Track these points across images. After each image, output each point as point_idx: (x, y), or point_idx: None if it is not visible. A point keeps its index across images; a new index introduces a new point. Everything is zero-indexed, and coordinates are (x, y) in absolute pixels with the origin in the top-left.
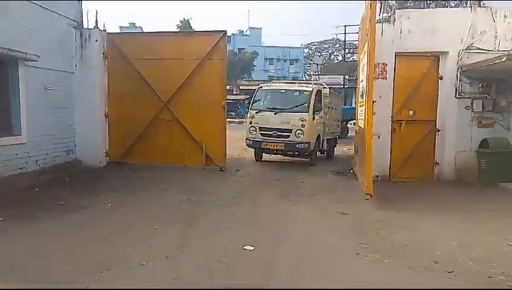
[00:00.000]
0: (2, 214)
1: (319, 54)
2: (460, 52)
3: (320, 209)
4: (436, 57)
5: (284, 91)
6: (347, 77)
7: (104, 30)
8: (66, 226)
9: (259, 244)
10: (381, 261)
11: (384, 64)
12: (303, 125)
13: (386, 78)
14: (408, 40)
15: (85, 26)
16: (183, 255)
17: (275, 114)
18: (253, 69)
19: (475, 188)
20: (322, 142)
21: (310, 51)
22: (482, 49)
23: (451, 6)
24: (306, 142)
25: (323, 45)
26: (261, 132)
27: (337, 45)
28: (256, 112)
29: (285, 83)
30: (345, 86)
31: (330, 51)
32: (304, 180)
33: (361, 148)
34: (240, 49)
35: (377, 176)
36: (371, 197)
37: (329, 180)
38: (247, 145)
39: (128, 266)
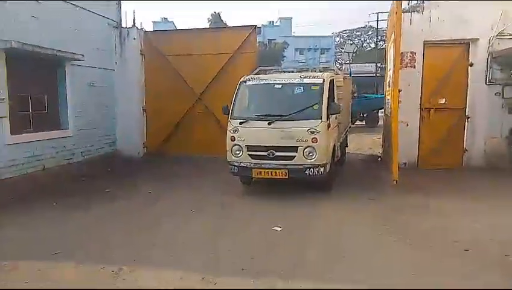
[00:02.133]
0: (56, 201)
1: (351, 42)
2: (491, 38)
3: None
4: (466, 45)
5: (280, 86)
6: (379, 64)
7: (141, 29)
8: (115, 211)
9: (289, 225)
10: (403, 241)
11: (413, 53)
12: (315, 140)
13: (414, 66)
14: (437, 29)
15: (123, 25)
16: (221, 235)
17: (269, 124)
18: (283, 60)
19: (505, 174)
20: (337, 150)
21: (341, 39)
22: None
23: None
24: (321, 165)
25: (355, 33)
26: (250, 153)
27: (370, 32)
28: (241, 122)
29: (281, 72)
30: (377, 74)
31: (363, 39)
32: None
33: (389, 136)
34: (270, 40)
35: (405, 163)
36: (396, 183)
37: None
38: (230, 172)
39: (174, 244)
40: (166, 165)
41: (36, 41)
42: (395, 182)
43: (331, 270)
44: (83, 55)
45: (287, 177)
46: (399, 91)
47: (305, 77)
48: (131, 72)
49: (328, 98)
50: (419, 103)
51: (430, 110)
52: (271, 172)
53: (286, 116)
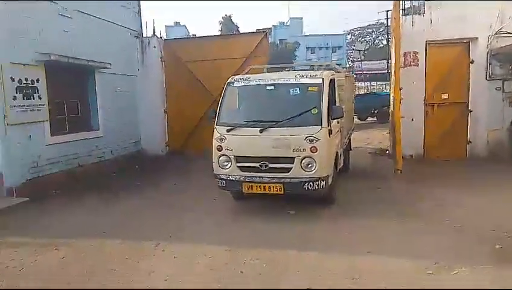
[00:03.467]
0: (93, 192)
1: (363, 39)
2: (490, 37)
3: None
4: (466, 43)
5: (273, 87)
6: (390, 61)
7: (161, 37)
8: (146, 200)
9: (299, 209)
10: (400, 220)
11: (416, 53)
12: (314, 149)
13: (417, 65)
14: (438, 29)
15: (144, 35)
16: (240, 217)
17: (261, 132)
18: (295, 59)
19: (506, 163)
20: (340, 158)
21: (353, 37)
22: (510, 33)
23: None
24: (321, 178)
25: (366, 30)
26: (240, 164)
27: (381, 29)
28: (229, 130)
29: (272, 70)
30: (389, 71)
31: (374, 36)
32: None
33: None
34: (281, 40)
35: (411, 156)
36: (401, 172)
37: None
38: (219, 186)
39: (201, 225)
40: (187, 162)
41: (70, 52)
42: (399, 172)
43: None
44: (110, 64)
45: (282, 192)
46: (400, 89)
47: (302, 77)
48: (153, 77)
49: (329, 100)
50: (424, 98)
51: (434, 105)
52: (264, 186)
53: (280, 122)
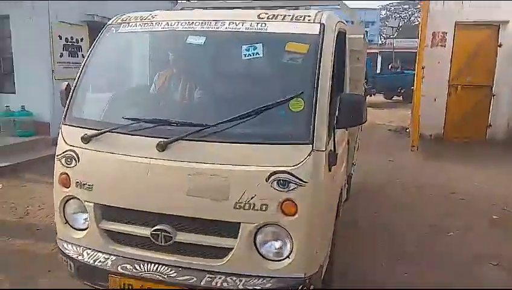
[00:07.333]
0: None
1: (398, 15)
2: None
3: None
4: (496, 26)
5: (202, 41)
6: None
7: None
8: None
9: None
10: (407, 189)
11: (444, 33)
12: (290, 208)
13: (445, 45)
14: (469, 11)
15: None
16: None
17: (161, 149)
18: None
19: None
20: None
21: (388, 12)
22: None
23: None
24: (303, 281)
25: (402, 6)
26: (107, 225)
27: (419, 6)
28: (86, 138)
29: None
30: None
31: (410, 12)
32: None
33: None
34: None
35: (431, 136)
36: (417, 149)
37: None
38: (67, 270)
39: None
40: None
41: (110, 15)
42: (416, 148)
43: None
44: None
45: None
46: (423, 68)
47: (273, 19)
48: None
49: (333, 80)
50: (448, 79)
51: (457, 86)
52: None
53: (211, 127)
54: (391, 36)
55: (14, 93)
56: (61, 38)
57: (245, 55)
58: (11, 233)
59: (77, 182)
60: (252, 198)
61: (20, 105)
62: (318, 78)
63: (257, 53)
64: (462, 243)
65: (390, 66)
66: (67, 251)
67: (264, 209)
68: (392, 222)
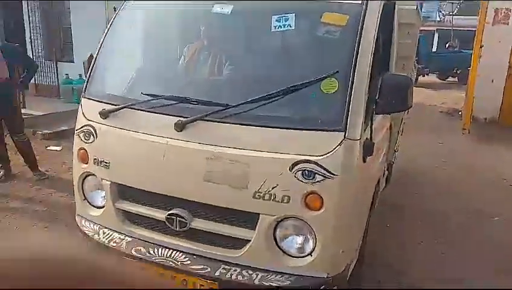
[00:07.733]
0: None
1: None
2: None
3: None
4: None
5: (227, 13)
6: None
7: None
8: None
9: None
10: (454, 173)
11: (508, 10)
12: (315, 202)
13: (508, 23)
14: None
15: None
16: None
17: (179, 129)
18: None
19: None
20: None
21: None
22: None
23: None
24: (324, 279)
25: None
26: (122, 205)
27: None
28: (105, 113)
29: None
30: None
31: None
32: None
33: None
34: None
35: (485, 119)
36: (469, 132)
37: None
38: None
39: None
40: None
41: None
42: (467, 131)
43: None
44: None
45: None
46: (481, 47)
47: None
48: None
49: (375, 59)
50: (508, 60)
51: None
52: (173, 276)
53: (232, 107)
54: (451, 13)
55: (73, 62)
56: (115, 10)
57: (275, 27)
58: (69, 190)
59: (95, 159)
60: (273, 188)
61: (78, 74)
62: (357, 55)
63: (289, 25)
64: (506, 231)
65: (447, 44)
66: (84, 228)
67: (285, 201)
68: (435, 206)
